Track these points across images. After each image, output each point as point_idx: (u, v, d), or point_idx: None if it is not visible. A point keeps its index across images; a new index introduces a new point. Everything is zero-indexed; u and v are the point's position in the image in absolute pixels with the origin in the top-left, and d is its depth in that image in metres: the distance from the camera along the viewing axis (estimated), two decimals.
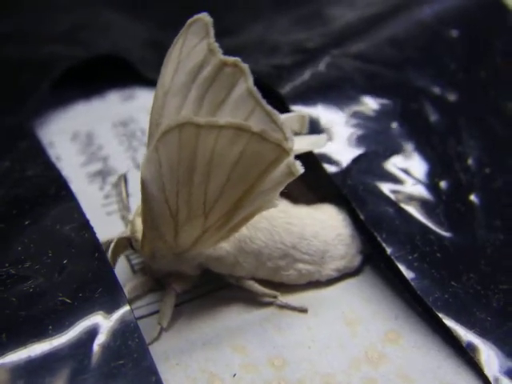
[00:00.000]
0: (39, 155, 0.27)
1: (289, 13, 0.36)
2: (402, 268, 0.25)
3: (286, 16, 0.36)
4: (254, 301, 0.25)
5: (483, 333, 0.24)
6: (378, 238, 0.25)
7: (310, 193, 0.28)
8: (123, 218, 0.28)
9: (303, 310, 0.25)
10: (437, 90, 0.30)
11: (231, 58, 0.21)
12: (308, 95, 0.29)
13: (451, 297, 0.24)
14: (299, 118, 0.27)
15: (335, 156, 0.27)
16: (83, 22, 0.35)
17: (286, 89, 0.29)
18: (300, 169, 0.21)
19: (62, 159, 0.30)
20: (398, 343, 0.24)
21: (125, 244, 0.25)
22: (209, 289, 0.26)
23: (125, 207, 0.28)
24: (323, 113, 0.28)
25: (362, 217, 0.26)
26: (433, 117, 0.29)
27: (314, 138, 0.28)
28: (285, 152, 0.20)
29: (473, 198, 0.28)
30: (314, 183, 0.28)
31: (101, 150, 0.31)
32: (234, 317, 0.25)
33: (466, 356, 0.24)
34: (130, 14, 0.36)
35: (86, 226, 0.24)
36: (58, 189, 0.25)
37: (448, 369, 0.24)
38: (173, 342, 0.24)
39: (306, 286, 0.26)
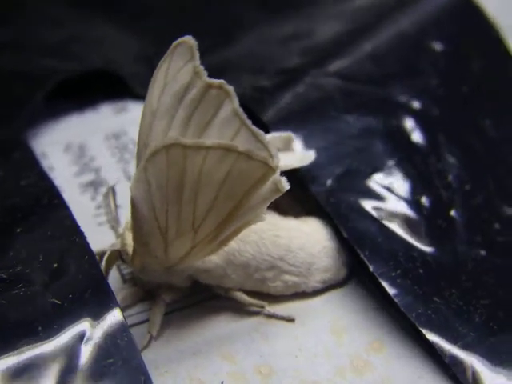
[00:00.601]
0: (33, 166, 0.28)
1: (280, 27, 0.36)
2: (385, 284, 0.25)
3: (275, 31, 0.36)
4: (242, 311, 0.26)
5: (466, 348, 0.24)
6: (361, 256, 0.26)
7: (297, 206, 0.29)
8: (113, 228, 0.28)
9: (290, 320, 0.26)
10: (418, 106, 0.31)
11: (216, 81, 0.22)
12: (290, 118, 0.29)
13: (434, 312, 0.25)
14: (284, 138, 0.28)
15: (318, 174, 0.28)
16: (77, 36, 0.36)
17: (268, 114, 0.29)
18: (286, 185, 0.22)
19: (55, 169, 0.30)
20: (382, 352, 0.25)
21: (116, 256, 0.26)
22: (198, 299, 0.26)
23: (114, 220, 0.28)
24: (305, 134, 0.29)
25: (344, 234, 0.26)
26: (414, 133, 0.30)
27: (300, 154, 0.29)
28: (271, 169, 0.21)
29: (453, 214, 0.28)
30: (302, 197, 0.29)
31: (93, 162, 0.31)
32: (223, 326, 0.26)
33: (450, 371, 0.24)
34: (123, 29, 0.37)
35: (76, 231, 0.24)
36: (50, 198, 0.26)
37: (429, 380, 0.24)
38: (162, 351, 0.25)
39: (293, 296, 0.26)
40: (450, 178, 0.29)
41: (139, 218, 0.22)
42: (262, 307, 0.26)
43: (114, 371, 0.21)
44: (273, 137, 0.28)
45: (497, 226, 0.29)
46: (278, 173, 0.21)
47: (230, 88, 0.22)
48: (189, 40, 0.22)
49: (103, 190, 0.30)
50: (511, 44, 0.35)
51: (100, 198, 0.30)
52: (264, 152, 0.21)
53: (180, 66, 0.22)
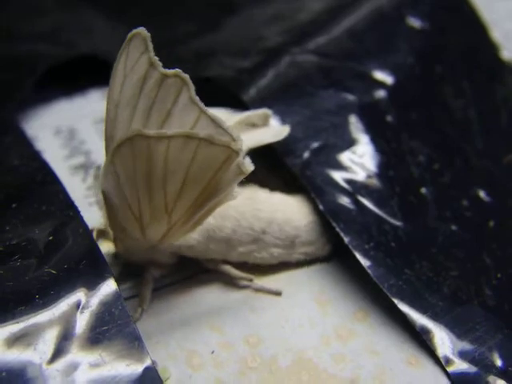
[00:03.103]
0: (25, 147, 0.28)
1: (264, 9, 0.37)
2: (359, 256, 0.26)
3: (259, 14, 0.37)
4: (230, 285, 0.27)
5: (435, 317, 0.25)
6: (337, 228, 0.27)
7: (286, 187, 0.29)
8: (102, 208, 0.29)
9: (277, 293, 0.27)
10: (394, 84, 0.31)
11: (172, 71, 0.22)
12: (269, 96, 0.30)
13: (405, 283, 0.26)
14: (261, 115, 0.29)
15: (295, 148, 0.28)
16: (64, 25, 0.37)
17: (249, 93, 0.30)
18: (250, 167, 0.22)
19: (46, 152, 0.31)
20: (366, 321, 0.26)
21: (101, 233, 0.26)
22: (188, 274, 0.27)
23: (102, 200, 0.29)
24: (282, 110, 0.30)
25: (320, 207, 0.27)
26: (388, 111, 0.31)
27: (275, 128, 0.29)
28: (234, 152, 0.22)
29: (424, 191, 0.29)
30: (290, 178, 0.29)
31: (83, 145, 0.32)
32: (212, 299, 0.27)
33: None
34: (110, 18, 0.38)
35: (70, 205, 0.25)
36: (43, 176, 0.26)
37: (412, 344, 0.25)
38: (153, 323, 0.25)
39: (280, 269, 0.27)
40: (421, 156, 0.30)
41: (113, 207, 0.23)
42: (251, 280, 0.27)
43: (109, 338, 0.22)
44: (250, 113, 0.28)
45: (465, 202, 0.29)
46: (241, 155, 0.22)
47: (186, 76, 0.22)
48: (142, 31, 0.23)
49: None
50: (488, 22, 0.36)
51: (90, 179, 0.30)
52: (225, 136, 0.22)
53: (136, 58, 0.23)
